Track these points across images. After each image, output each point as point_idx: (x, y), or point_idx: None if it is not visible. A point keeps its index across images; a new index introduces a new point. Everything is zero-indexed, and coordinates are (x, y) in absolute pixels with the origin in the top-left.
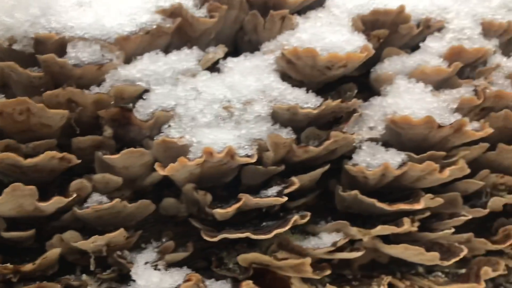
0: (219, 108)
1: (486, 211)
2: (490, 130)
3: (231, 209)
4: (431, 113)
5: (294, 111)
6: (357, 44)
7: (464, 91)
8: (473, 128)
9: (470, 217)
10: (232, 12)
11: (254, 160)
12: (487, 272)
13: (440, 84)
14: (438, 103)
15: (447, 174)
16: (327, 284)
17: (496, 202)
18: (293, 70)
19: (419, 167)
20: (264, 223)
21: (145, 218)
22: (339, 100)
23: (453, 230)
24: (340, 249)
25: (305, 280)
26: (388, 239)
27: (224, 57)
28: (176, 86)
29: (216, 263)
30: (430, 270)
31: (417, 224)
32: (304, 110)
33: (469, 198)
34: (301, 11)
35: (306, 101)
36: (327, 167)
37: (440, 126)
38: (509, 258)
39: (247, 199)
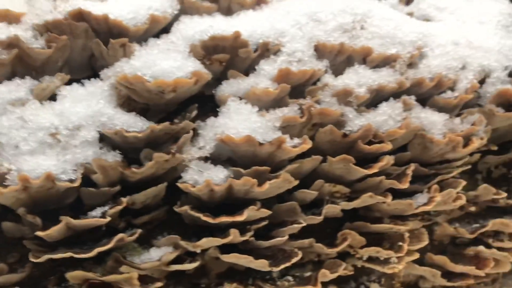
0: (44, 136)
1: (321, 218)
2: (307, 146)
3: (51, 231)
4: (255, 132)
5: (121, 135)
6: (189, 70)
7: (288, 111)
8: (293, 145)
9: (304, 224)
10: (79, 41)
11: (77, 184)
12: (325, 274)
13: (272, 104)
14: (263, 122)
15: (266, 187)
16: None
17: (330, 209)
18: (136, 95)
19: (239, 182)
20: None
21: None
22: (166, 123)
23: (286, 237)
24: (180, 261)
25: None
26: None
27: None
28: (1, 116)
29: (55, 281)
30: (284, 274)
31: (250, 233)
32: (130, 134)
33: (315, 205)
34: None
35: (134, 125)
36: (162, 185)
37: (261, 144)
38: (358, 259)
39: (67, 221)
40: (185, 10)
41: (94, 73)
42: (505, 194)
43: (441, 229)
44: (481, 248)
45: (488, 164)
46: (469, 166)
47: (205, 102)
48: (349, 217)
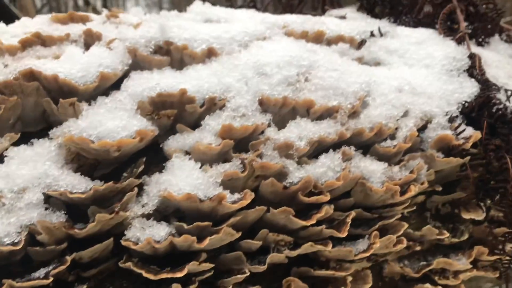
0: None
1: (265, 267)
2: (246, 202)
3: None
4: (196, 189)
5: (65, 196)
6: (134, 128)
7: (229, 166)
8: (233, 200)
9: (248, 273)
10: (30, 99)
11: (20, 246)
12: None
13: (217, 158)
14: (204, 178)
15: (206, 243)
16: None
17: (275, 258)
18: (84, 152)
19: (179, 240)
20: None
21: None
22: (110, 184)
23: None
24: None
25: None
26: None
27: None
28: None
29: None
30: None
31: (195, 285)
32: (74, 195)
33: (264, 251)
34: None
35: (78, 186)
36: (108, 241)
37: (201, 201)
38: None
39: (11, 284)
40: (138, 63)
41: (49, 126)
42: (447, 234)
43: (389, 267)
44: (427, 285)
45: (435, 203)
46: (414, 208)
47: (159, 151)
48: (299, 260)
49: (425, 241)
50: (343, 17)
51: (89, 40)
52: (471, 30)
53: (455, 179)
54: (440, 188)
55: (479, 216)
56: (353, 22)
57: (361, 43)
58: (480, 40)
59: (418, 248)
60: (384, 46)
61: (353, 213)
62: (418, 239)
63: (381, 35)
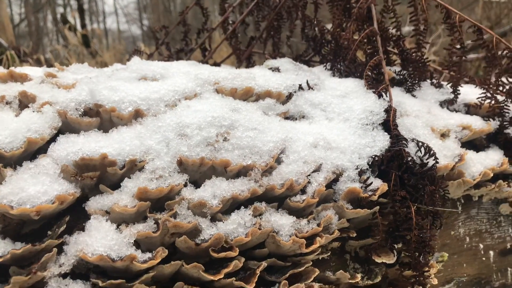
0: None
1: None
2: (155, 262)
3: None
4: (111, 249)
5: None
6: (54, 193)
7: (142, 227)
8: (144, 259)
9: None
10: None
11: None
12: None
13: (135, 217)
14: (118, 239)
15: None
16: None
17: None
18: (8, 214)
19: None
20: None
21: None
22: (28, 246)
23: None
24: None
25: None
26: None
27: None
28: None
29: None
30: None
31: None
32: None
33: None
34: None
35: None
36: None
37: (114, 261)
38: None
39: None
40: (68, 124)
41: None
42: (358, 278)
43: None
44: None
45: (352, 246)
46: (329, 253)
47: None
48: None
49: (342, 283)
50: (277, 69)
51: (25, 101)
52: (402, 76)
53: (369, 225)
54: (355, 234)
55: (390, 260)
56: (284, 74)
57: (288, 97)
58: (410, 85)
59: None
60: (310, 100)
61: (264, 264)
62: (334, 282)
63: (309, 88)
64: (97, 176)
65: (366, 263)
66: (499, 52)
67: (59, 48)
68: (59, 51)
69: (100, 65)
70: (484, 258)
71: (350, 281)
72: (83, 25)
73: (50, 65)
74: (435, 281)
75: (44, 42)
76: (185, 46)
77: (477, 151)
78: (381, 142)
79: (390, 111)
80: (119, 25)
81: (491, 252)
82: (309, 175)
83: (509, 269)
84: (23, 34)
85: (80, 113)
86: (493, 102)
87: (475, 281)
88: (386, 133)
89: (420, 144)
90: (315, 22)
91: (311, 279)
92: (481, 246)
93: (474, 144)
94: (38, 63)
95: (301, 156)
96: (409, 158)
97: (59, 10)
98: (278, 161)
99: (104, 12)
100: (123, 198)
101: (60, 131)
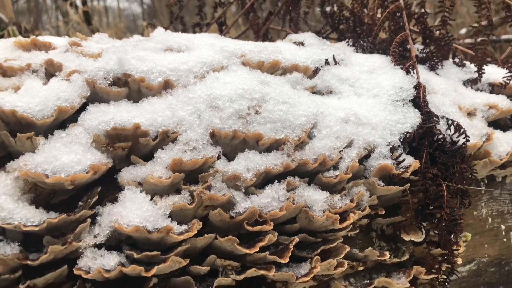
0: None
1: None
2: (192, 234)
3: None
4: (146, 221)
5: (19, 229)
6: (88, 163)
7: (178, 198)
8: (180, 231)
9: None
10: None
11: None
12: None
13: (169, 189)
14: (154, 211)
15: (154, 271)
16: None
17: (221, 281)
18: (41, 184)
19: (127, 270)
20: None
21: None
22: (63, 216)
23: None
24: None
25: None
26: None
27: None
28: None
29: None
30: None
31: None
32: (28, 228)
33: (214, 274)
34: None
35: (32, 219)
36: (61, 269)
37: (150, 232)
38: None
39: None
40: (97, 93)
41: (8, 154)
42: (387, 256)
43: (334, 285)
44: None
45: (380, 224)
46: (357, 230)
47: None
48: (249, 282)
49: (369, 261)
50: (301, 43)
51: (51, 69)
52: (425, 54)
53: (397, 202)
54: (383, 212)
55: (419, 238)
56: (309, 49)
57: (315, 72)
58: (433, 63)
59: (361, 268)
60: (337, 75)
61: (296, 239)
62: (362, 259)
63: (335, 63)
64: (129, 146)
65: (393, 241)
66: None
67: (60, 24)
68: (60, 28)
69: None
70: (505, 239)
71: (379, 258)
72: (84, 2)
73: None
74: (460, 261)
75: (43, 19)
76: (201, 21)
77: (503, 131)
78: (412, 118)
79: (419, 87)
80: (119, 2)
81: None
82: (341, 150)
83: None
84: (22, 11)
85: (108, 82)
86: None
87: (495, 262)
88: (416, 110)
89: (451, 122)
90: None
91: (342, 255)
92: (503, 227)
93: (499, 124)
94: None
95: (333, 131)
96: (440, 136)
97: None
98: (310, 135)
99: None
100: (157, 169)
101: (88, 102)
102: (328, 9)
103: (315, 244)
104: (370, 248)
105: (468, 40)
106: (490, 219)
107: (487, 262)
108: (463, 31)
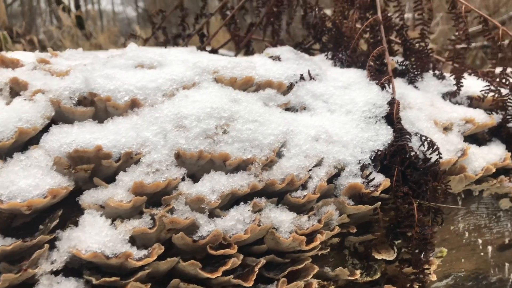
0: None
1: None
2: (151, 259)
3: None
4: (105, 246)
5: None
6: (47, 187)
7: (138, 223)
8: (140, 257)
9: None
10: None
11: None
12: None
13: (130, 213)
14: (113, 236)
15: None
16: None
17: None
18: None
19: None
20: None
21: None
22: (18, 242)
23: None
24: None
25: None
26: None
27: None
28: None
29: None
30: None
31: None
32: None
33: None
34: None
35: None
36: None
37: (108, 258)
38: None
39: None
40: (62, 113)
41: None
42: (358, 275)
43: None
44: None
45: (352, 242)
46: (328, 249)
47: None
48: None
49: (340, 279)
50: (277, 58)
51: (16, 88)
52: (405, 67)
53: (369, 220)
54: (355, 230)
55: (390, 256)
56: (285, 64)
57: (290, 88)
58: (412, 76)
59: (332, 287)
60: (311, 91)
61: (262, 261)
62: (333, 278)
63: (311, 78)
64: (91, 168)
65: (365, 259)
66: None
67: (53, 29)
68: (53, 32)
69: (95, 48)
70: (482, 253)
71: (349, 277)
72: (77, 6)
73: (43, 46)
74: (434, 278)
75: (37, 22)
76: (183, 31)
77: (479, 145)
78: (384, 136)
79: (393, 103)
80: (114, 6)
81: (489, 247)
82: (310, 169)
83: (506, 264)
84: (15, 14)
85: (74, 102)
86: (496, 95)
87: (472, 276)
88: (389, 127)
89: (424, 138)
90: (316, 9)
91: (310, 276)
92: (480, 241)
93: (476, 138)
94: (31, 44)
95: (303, 150)
96: (412, 153)
97: None
98: (279, 154)
99: None
100: (118, 192)
101: (53, 121)
102: (311, 20)
103: (283, 265)
104: (340, 267)
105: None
106: (467, 234)
107: (464, 277)
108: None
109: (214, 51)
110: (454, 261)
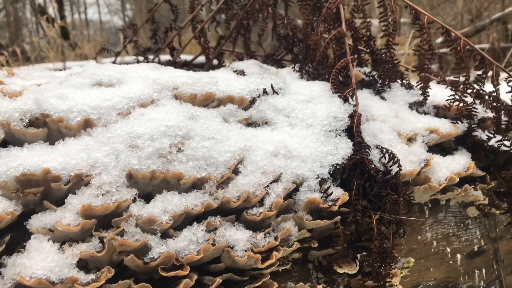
0: None
1: None
2: (98, 284)
3: None
4: (51, 272)
5: None
6: None
7: (86, 247)
8: (87, 281)
9: None
10: None
11: None
12: None
13: (80, 236)
14: (60, 261)
15: None
16: None
17: None
18: None
19: None
20: None
21: None
22: None
23: None
24: None
25: None
26: None
27: None
28: None
29: None
30: None
31: None
32: None
33: None
34: None
35: None
36: None
37: (54, 284)
38: None
39: None
40: (13, 135)
41: None
42: None
43: None
44: None
45: (315, 256)
46: (289, 265)
47: None
48: None
49: None
50: (241, 72)
51: None
52: (372, 77)
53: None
54: (316, 244)
55: (352, 270)
56: (249, 78)
57: (252, 102)
58: (379, 87)
59: None
60: (273, 105)
61: (218, 280)
62: None
63: (274, 92)
64: (40, 191)
65: (329, 273)
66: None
67: (37, 40)
68: (38, 43)
69: (80, 58)
70: (451, 262)
71: None
72: (62, 16)
73: (27, 57)
74: None
75: (23, 32)
76: (154, 45)
77: (446, 154)
78: (343, 149)
79: (354, 116)
80: (100, 15)
81: (458, 255)
82: (267, 186)
83: (476, 271)
84: (1, 24)
85: (25, 123)
86: (461, 104)
87: (442, 285)
88: (349, 140)
89: (384, 150)
90: (285, 21)
91: None
92: (448, 249)
93: (443, 147)
94: (15, 56)
95: (260, 166)
96: (372, 166)
97: (38, 0)
98: (236, 171)
99: (85, 2)
100: (67, 216)
101: (6, 143)
102: (282, 31)
103: (242, 283)
104: (301, 283)
105: (442, 50)
106: (435, 243)
107: (434, 286)
108: (439, 40)
109: (186, 63)
110: (423, 271)
